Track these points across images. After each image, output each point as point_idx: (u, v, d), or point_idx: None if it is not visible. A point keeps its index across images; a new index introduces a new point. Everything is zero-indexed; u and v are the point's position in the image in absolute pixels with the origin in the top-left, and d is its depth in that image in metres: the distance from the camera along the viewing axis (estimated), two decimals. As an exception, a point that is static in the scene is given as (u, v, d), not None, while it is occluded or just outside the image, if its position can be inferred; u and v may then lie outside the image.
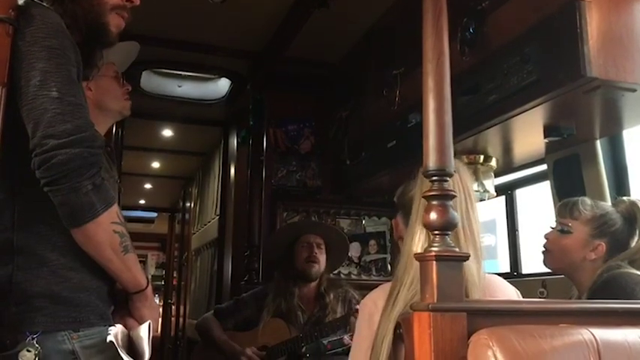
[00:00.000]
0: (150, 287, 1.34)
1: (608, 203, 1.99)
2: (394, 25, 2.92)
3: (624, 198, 1.98)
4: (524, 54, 1.89)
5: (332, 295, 2.79)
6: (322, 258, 2.83)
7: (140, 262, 1.38)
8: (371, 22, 3.14)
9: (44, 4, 1.26)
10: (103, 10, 1.37)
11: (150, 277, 10.71)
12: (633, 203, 1.90)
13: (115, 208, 1.23)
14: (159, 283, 10.35)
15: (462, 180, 1.39)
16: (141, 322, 1.34)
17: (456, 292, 1.12)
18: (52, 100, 1.16)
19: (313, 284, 2.82)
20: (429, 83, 1.21)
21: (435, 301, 1.10)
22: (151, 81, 3.95)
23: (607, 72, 1.70)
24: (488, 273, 1.49)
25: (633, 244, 1.86)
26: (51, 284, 1.21)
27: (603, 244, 1.85)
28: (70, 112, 1.16)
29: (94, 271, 1.26)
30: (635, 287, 1.68)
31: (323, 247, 2.85)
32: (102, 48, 1.45)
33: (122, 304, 1.35)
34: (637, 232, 1.86)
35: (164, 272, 10.01)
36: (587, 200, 1.94)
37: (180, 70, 3.96)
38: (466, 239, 1.34)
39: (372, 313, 1.43)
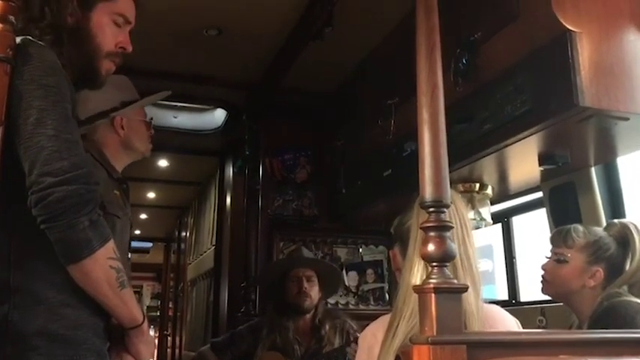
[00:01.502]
0: (146, 322, 1.33)
1: (600, 228, 1.99)
2: (388, 56, 2.95)
3: (615, 221, 1.98)
4: (517, 84, 1.91)
5: (327, 327, 2.75)
6: (314, 290, 2.79)
7: (135, 292, 1.37)
8: (365, 52, 3.17)
9: (41, 43, 1.28)
10: (98, 55, 1.41)
11: (145, 307, 10.61)
12: (624, 225, 1.90)
13: (112, 243, 1.23)
14: (154, 313, 10.26)
15: (457, 210, 1.39)
16: (137, 358, 1.33)
17: (456, 324, 1.11)
18: (48, 137, 1.16)
19: (308, 316, 2.79)
20: (424, 115, 1.22)
21: (435, 333, 1.09)
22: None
23: (599, 101, 1.71)
24: (488, 302, 1.48)
25: (628, 267, 1.86)
26: (47, 322, 1.20)
27: (601, 269, 1.85)
28: (66, 150, 1.17)
29: (91, 308, 1.25)
30: (635, 316, 1.67)
31: (314, 278, 2.81)
32: (90, 89, 1.49)
33: (118, 339, 1.34)
34: (630, 254, 1.86)
35: (160, 303, 9.94)
36: (579, 227, 1.95)
37: (176, 102, 3.98)
38: (464, 270, 1.34)
39: (372, 345, 1.42)
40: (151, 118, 1.91)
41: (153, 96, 1.86)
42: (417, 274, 1.36)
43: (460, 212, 1.41)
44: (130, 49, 1.46)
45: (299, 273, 2.79)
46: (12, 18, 1.23)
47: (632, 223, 1.90)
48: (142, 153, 1.86)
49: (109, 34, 1.42)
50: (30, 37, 1.27)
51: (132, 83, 1.92)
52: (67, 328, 1.22)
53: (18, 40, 1.24)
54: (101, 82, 1.46)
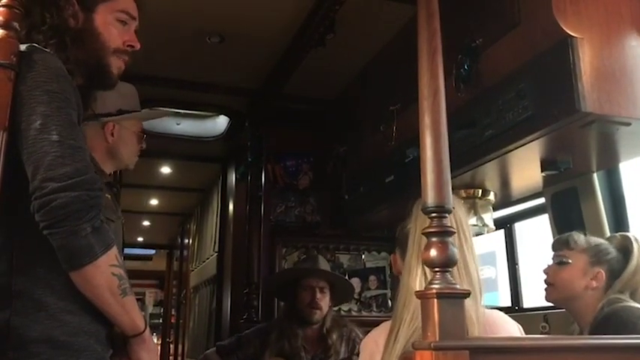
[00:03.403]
0: (148, 330, 1.33)
1: (600, 239, 2.02)
2: (390, 62, 2.96)
3: (617, 234, 2.03)
4: (519, 90, 1.91)
5: (335, 336, 2.74)
6: (325, 302, 2.77)
7: (138, 299, 1.37)
8: (367, 58, 3.18)
9: (46, 49, 1.29)
10: (105, 53, 1.42)
11: (148, 315, 10.60)
12: (626, 237, 1.94)
13: (114, 250, 1.22)
14: (157, 321, 10.26)
15: (455, 216, 1.39)
16: (139, 366, 1.33)
17: (458, 329, 1.11)
18: (52, 143, 1.16)
19: (316, 325, 2.78)
20: (426, 121, 1.22)
21: (437, 339, 1.09)
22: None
23: (601, 107, 1.71)
24: (490, 308, 1.48)
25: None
26: (49, 329, 1.20)
27: (602, 271, 1.87)
28: (70, 155, 1.17)
29: (93, 315, 1.25)
30: (637, 321, 1.67)
31: (327, 289, 2.78)
32: (103, 89, 1.49)
33: (120, 347, 1.33)
34: (630, 260, 1.87)
35: (162, 310, 9.93)
36: (579, 233, 1.98)
37: (178, 109, 3.99)
38: (460, 276, 1.34)
39: (374, 352, 1.43)
40: (145, 135, 1.87)
41: (150, 112, 1.83)
42: (416, 278, 1.36)
43: (458, 218, 1.41)
44: (138, 46, 1.47)
45: (312, 283, 2.76)
46: (15, 24, 1.24)
47: (632, 235, 1.94)
48: (126, 165, 1.81)
49: (115, 32, 1.43)
50: (35, 45, 1.28)
51: (137, 94, 1.88)
52: (68, 335, 1.21)
53: (23, 47, 1.25)
54: (114, 81, 1.46)
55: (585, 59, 1.72)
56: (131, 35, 1.47)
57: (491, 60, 2.09)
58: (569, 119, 1.76)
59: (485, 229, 2.58)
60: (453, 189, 1.20)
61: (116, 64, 1.44)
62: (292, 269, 3.39)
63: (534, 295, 2.86)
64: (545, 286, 1.99)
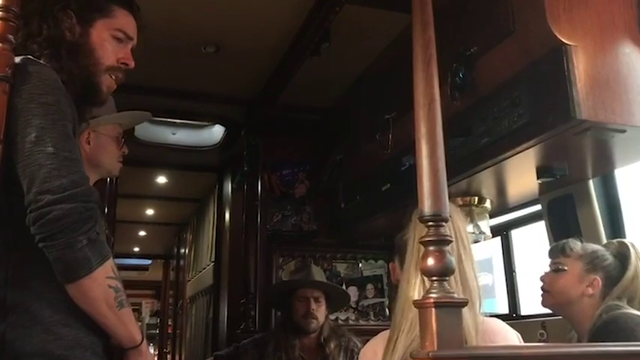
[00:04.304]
0: (145, 342, 1.32)
1: (597, 245, 2.02)
2: (385, 70, 2.97)
3: (614, 241, 2.03)
4: (514, 97, 1.92)
5: (332, 345, 2.74)
6: (321, 311, 2.76)
7: (134, 310, 1.36)
8: (363, 67, 3.19)
9: (41, 61, 1.29)
10: (98, 70, 1.41)
11: (145, 326, 10.54)
12: (622, 243, 1.95)
13: (111, 262, 1.22)
14: (153, 331, 10.20)
15: (454, 224, 1.39)
16: (137, 379, 1.32)
17: (456, 338, 1.11)
18: (47, 155, 1.16)
19: (314, 335, 2.78)
20: (421, 129, 1.22)
21: (435, 348, 1.08)
22: (145, 129, 3.99)
23: (596, 114, 1.72)
24: (488, 316, 1.48)
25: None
26: (44, 342, 1.18)
27: (599, 278, 1.87)
28: (65, 167, 1.17)
29: (89, 328, 1.24)
30: (636, 328, 1.67)
31: (322, 299, 2.78)
32: (92, 106, 1.48)
33: None
34: (627, 266, 1.87)
35: (159, 320, 9.88)
36: (576, 240, 1.98)
37: (174, 118, 3.99)
38: (458, 284, 1.34)
39: (372, 361, 1.42)
40: (124, 138, 1.83)
41: (124, 114, 1.79)
42: (414, 287, 1.36)
43: (456, 225, 1.41)
44: (132, 64, 1.47)
45: (307, 293, 2.76)
46: (11, 37, 1.24)
47: (629, 242, 1.94)
48: (109, 171, 1.78)
49: (109, 49, 1.43)
50: (30, 57, 1.28)
51: (114, 103, 1.82)
52: (64, 348, 1.20)
53: (17, 59, 1.25)
54: (103, 99, 1.46)
55: (580, 67, 1.73)
56: (126, 53, 1.46)
57: (486, 68, 2.09)
58: (564, 126, 1.76)
59: (482, 236, 2.58)
60: (449, 197, 1.20)
61: (107, 83, 1.44)
62: (286, 281, 3.38)
63: (532, 303, 2.85)
64: (542, 291, 1.99)
